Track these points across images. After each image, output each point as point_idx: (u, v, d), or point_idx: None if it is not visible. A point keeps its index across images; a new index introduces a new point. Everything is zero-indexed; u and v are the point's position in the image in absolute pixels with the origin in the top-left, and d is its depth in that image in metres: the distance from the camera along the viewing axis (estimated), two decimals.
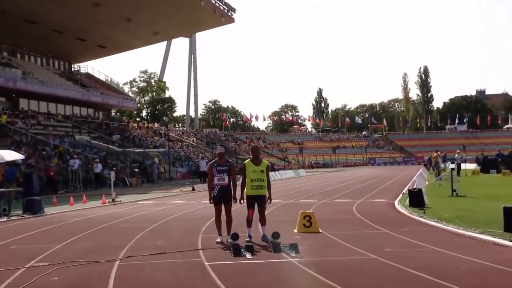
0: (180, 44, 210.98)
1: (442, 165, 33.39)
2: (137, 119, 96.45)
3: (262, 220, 10.86)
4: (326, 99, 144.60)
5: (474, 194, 19.76)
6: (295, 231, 12.24)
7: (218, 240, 10.84)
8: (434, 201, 17.12)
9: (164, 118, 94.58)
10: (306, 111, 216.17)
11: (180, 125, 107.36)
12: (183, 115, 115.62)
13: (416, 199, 16.12)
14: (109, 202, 23.11)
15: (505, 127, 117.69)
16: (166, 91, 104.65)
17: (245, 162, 10.95)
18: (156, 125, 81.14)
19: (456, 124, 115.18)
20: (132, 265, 8.83)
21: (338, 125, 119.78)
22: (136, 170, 43.52)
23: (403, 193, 22.55)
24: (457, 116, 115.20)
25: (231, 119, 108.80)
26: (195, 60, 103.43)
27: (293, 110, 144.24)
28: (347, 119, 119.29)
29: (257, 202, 10.68)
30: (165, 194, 28.81)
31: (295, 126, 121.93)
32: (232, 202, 10.83)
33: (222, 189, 10.71)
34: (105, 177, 37.33)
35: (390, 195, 23.31)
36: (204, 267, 8.44)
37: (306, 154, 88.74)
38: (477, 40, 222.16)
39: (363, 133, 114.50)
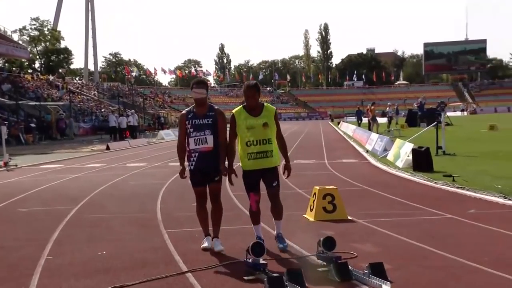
0: None
1: (378, 120, 30.17)
2: (29, 70, 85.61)
3: (276, 211, 5.92)
4: (228, 55, 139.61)
5: (461, 152, 16.07)
6: (310, 218, 7.62)
7: (206, 244, 5.98)
8: None
9: (60, 70, 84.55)
10: (209, 67, 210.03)
11: (78, 78, 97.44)
12: (81, 68, 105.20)
13: (424, 161, 12.06)
14: (0, 166, 17.04)
15: (396, 83, 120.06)
16: (62, 41, 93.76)
17: (233, 111, 5.87)
18: (51, 77, 71.83)
19: (354, 80, 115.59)
20: None
21: (242, 81, 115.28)
22: (33, 125, 36.39)
23: (368, 151, 18.71)
24: (355, 72, 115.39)
25: (133, 73, 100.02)
26: (93, 8, 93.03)
27: (196, 65, 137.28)
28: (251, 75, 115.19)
29: (263, 178, 5.82)
30: (73, 155, 22.77)
31: None
32: (222, 177, 5.93)
33: (203, 158, 5.81)
34: None
35: (350, 153, 19.40)
36: None
37: None
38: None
39: (267, 88, 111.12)
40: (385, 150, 16.26)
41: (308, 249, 5.85)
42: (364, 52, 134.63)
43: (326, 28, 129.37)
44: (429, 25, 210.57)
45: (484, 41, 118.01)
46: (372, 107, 30.05)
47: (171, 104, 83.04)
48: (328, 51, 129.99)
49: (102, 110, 56.15)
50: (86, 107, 56.51)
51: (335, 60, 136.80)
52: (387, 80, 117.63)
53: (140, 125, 51.17)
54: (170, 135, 36.79)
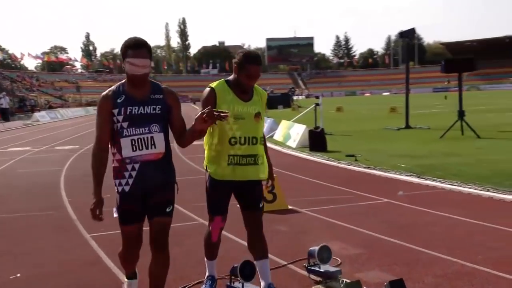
0: None
1: None
2: None
3: (263, 245, 3.39)
4: (94, 42, 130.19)
5: (336, 132, 15.52)
6: None
7: None
8: None
9: None
10: (75, 54, 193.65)
11: None
12: None
13: (318, 141, 11.11)
14: None
15: None
16: None
17: (212, 85, 3.25)
18: None
19: (210, 68, 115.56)
20: None
21: (110, 67, 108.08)
22: None
23: None
24: (211, 61, 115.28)
25: None
26: None
27: (63, 51, 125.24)
28: (118, 61, 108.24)
29: (242, 196, 3.34)
30: None
31: (67, 66, 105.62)
32: (174, 208, 3.04)
33: (146, 172, 2.89)
34: None
35: None
36: None
37: (83, 93, 76.69)
38: None
39: None
40: (270, 130, 15.17)
41: (277, 254, 4.32)
42: (217, 44, 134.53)
43: (184, 22, 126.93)
44: (271, 21, 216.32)
45: (311, 38, 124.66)
46: None
47: (39, 87, 74.29)
48: (187, 42, 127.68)
49: None
50: None
51: (193, 50, 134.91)
52: None
53: (11, 107, 44.68)
54: (45, 117, 32.32)
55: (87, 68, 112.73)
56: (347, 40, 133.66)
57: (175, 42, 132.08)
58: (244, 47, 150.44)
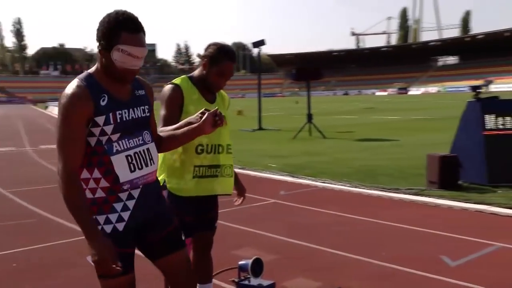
0: None
1: None
2: None
3: (208, 268, 2.76)
4: None
5: None
6: None
7: None
8: None
9: None
10: None
11: None
12: None
13: None
14: None
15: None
16: None
17: (177, 82, 2.45)
18: None
19: (50, 70, 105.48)
20: None
21: None
22: None
23: None
24: (52, 63, 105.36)
25: None
26: None
27: None
28: None
29: (198, 213, 2.58)
30: None
31: None
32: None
33: (146, 199, 1.92)
34: None
35: None
36: None
37: None
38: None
39: None
40: None
41: None
42: (57, 46, 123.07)
43: (20, 21, 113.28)
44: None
45: (154, 45, 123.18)
46: None
47: None
48: (22, 43, 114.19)
49: None
50: None
51: (30, 51, 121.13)
52: (80, 71, 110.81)
53: None
54: None
55: None
56: (187, 48, 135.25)
57: (9, 42, 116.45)
58: (86, 50, 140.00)
